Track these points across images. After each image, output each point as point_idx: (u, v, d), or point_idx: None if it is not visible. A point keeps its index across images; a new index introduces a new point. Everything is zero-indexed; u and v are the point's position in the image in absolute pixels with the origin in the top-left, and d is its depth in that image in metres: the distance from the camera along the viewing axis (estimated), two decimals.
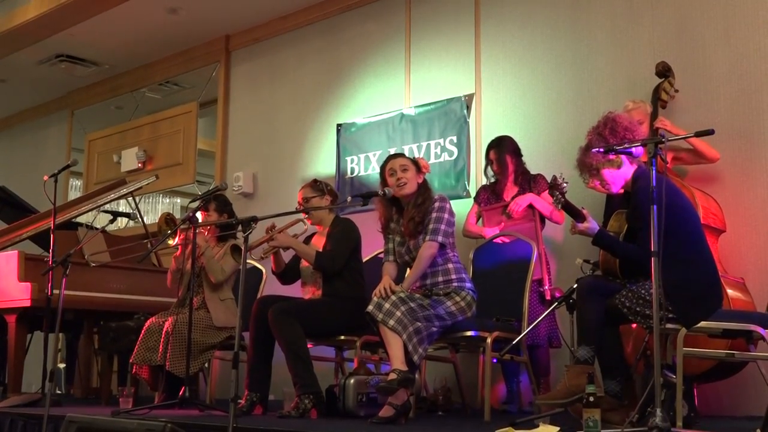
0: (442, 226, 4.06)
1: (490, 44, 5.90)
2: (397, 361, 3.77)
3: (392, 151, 6.10)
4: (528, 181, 4.96)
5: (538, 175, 4.99)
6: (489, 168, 5.05)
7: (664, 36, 5.07)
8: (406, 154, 4.73)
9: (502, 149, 4.99)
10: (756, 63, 4.71)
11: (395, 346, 3.79)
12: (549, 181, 3.67)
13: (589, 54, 5.40)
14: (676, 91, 4.74)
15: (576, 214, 3.74)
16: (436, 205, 4.10)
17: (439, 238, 4.04)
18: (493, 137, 5.70)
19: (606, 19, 5.36)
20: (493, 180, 5.10)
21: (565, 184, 3.66)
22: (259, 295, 5.35)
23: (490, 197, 5.05)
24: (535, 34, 5.69)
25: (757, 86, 4.68)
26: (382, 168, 4.26)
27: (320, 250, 4.62)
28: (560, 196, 3.65)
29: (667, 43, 5.03)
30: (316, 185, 4.84)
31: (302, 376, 4.25)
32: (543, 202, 4.83)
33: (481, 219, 5.07)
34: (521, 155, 5.03)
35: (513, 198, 4.90)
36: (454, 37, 6.09)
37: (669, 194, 3.45)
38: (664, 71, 4.70)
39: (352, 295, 4.55)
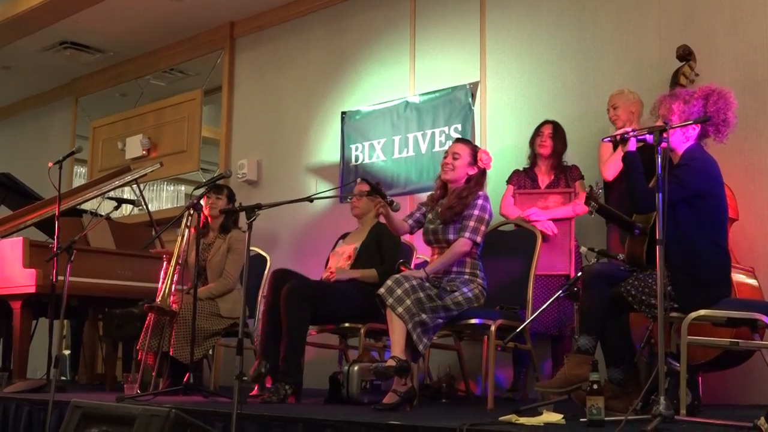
0: (483, 228, 4.11)
1: (496, 32, 5.88)
2: (398, 349, 3.81)
3: (397, 140, 6.11)
4: (564, 171, 4.95)
5: (573, 165, 4.98)
6: (536, 140, 4.99)
7: (671, 24, 5.05)
8: (471, 142, 4.71)
9: (559, 131, 4.98)
10: (763, 52, 4.68)
11: (398, 333, 3.82)
12: (586, 193, 3.75)
13: (594, 42, 5.38)
14: (697, 75, 4.69)
15: (611, 215, 3.82)
16: (479, 203, 4.13)
17: (478, 239, 4.09)
18: (498, 126, 5.73)
19: (612, 7, 5.34)
20: (528, 164, 5.08)
21: (600, 192, 3.73)
22: (263, 283, 5.38)
23: (523, 180, 5.03)
24: (540, 22, 5.66)
25: (764, 75, 4.66)
26: None
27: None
28: (595, 204, 3.69)
29: (673, 31, 5.01)
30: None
31: (290, 363, 4.30)
32: (564, 209, 4.81)
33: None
34: (565, 149, 5.02)
35: (547, 186, 4.92)
36: (459, 24, 6.07)
37: (716, 182, 3.49)
38: (684, 55, 4.67)
39: (370, 284, 4.57)
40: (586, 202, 3.74)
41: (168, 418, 2.84)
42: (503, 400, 4.56)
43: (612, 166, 4.66)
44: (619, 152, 4.59)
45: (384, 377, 3.84)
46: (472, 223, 4.09)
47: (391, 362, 3.77)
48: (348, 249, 4.79)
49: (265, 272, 5.49)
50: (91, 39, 8.02)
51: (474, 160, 4.23)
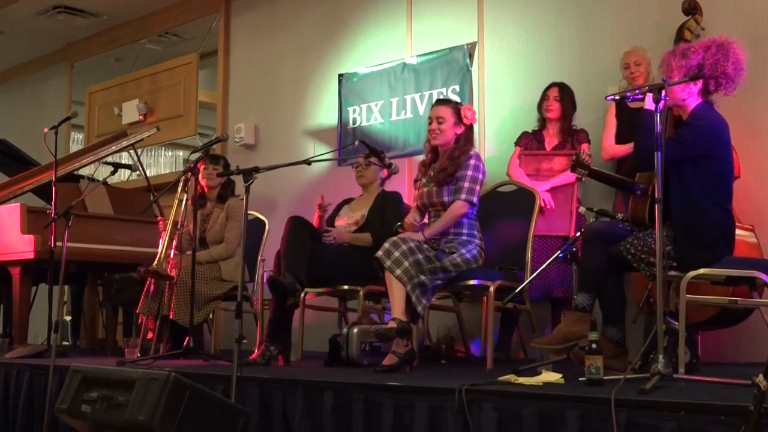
0: (477, 187, 4.10)
1: None
2: (398, 310, 3.81)
3: (394, 102, 6.06)
4: (571, 134, 4.91)
5: (582, 129, 4.93)
6: (543, 104, 4.95)
7: None
8: (451, 100, 4.66)
9: (566, 92, 4.93)
10: (765, 8, 4.63)
11: (398, 295, 3.82)
12: (572, 160, 3.71)
13: (593, 1, 5.32)
14: (703, 29, 4.63)
15: (605, 178, 3.85)
16: (472, 162, 4.11)
17: (474, 199, 4.08)
18: (496, 86, 5.68)
19: None
20: (536, 127, 5.04)
21: (588, 159, 3.69)
22: (262, 247, 5.39)
23: (531, 142, 5.00)
24: None
25: (763, 32, 4.61)
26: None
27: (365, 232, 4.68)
28: (583, 171, 3.65)
29: None
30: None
31: (275, 325, 4.36)
32: (565, 175, 4.76)
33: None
34: (575, 110, 4.97)
35: (553, 148, 4.89)
36: None
37: (721, 143, 3.45)
38: (690, 9, 4.60)
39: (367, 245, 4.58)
40: (573, 170, 3.71)
41: (167, 381, 2.83)
42: (501, 361, 4.57)
43: (611, 152, 4.70)
44: (618, 147, 4.63)
45: (386, 339, 3.85)
46: (466, 184, 4.07)
47: (392, 324, 3.78)
48: (356, 215, 4.79)
49: (264, 236, 5.49)
50: (84, 3, 7.93)
51: (459, 118, 4.19)
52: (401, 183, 5.57)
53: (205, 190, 5.24)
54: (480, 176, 4.12)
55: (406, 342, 3.83)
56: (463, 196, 4.06)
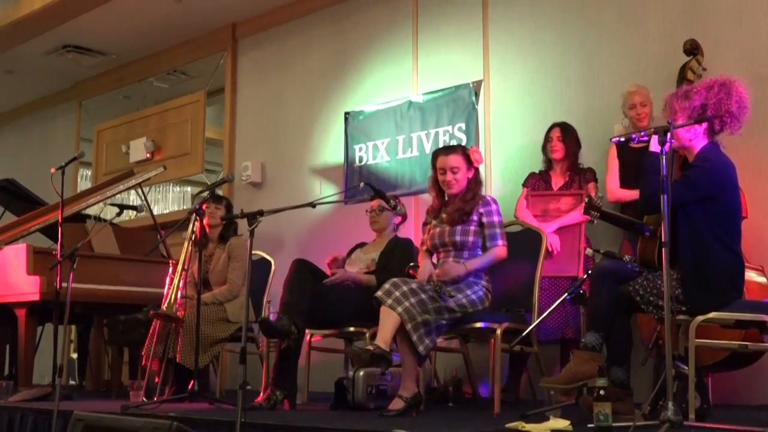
0: (502, 230, 4.16)
1: (498, 29, 5.83)
2: (381, 340, 3.76)
3: (400, 140, 6.06)
4: (578, 173, 4.89)
5: (589, 168, 4.92)
6: (547, 146, 4.95)
7: (675, 17, 4.99)
8: (457, 146, 4.54)
9: (568, 132, 4.92)
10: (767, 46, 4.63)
11: (388, 328, 3.78)
12: (584, 203, 3.71)
13: (598, 37, 5.33)
14: (704, 69, 4.62)
15: (616, 220, 3.86)
16: (495, 208, 4.15)
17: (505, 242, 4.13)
18: (502, 124, 5.68)
19: (615, 1, 5.28)
20: (543, 168, 5.04)
21: (600, 202, 3.72)
22: (268, 287, 5.35)
23: (538, 182, 4.99)
24: (543, 19, 5.61)
25: None
26: (433, 157, 4.27)
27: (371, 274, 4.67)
28: (596, 213, 3.65)
29: (677, 25, 4.95)
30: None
31: (282, 369, 4.32)
32: (572, 215, 4.76)
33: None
34: (580, 148, 4.96)
35: (560, 188, 4.88)
36: (461, 22, 6.01)
37: (728, 185, 3.43)
38: (692, 49, 4.61)
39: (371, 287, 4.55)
40: (586, 212, 3.69)
41: (170, 431, 2.81)
42: (510, 403, 4.52)
43: (617, 196, 4.70)
44: (624, 192, 4.62)
45: (358, 359, 3.80)
46: (499, 230, 4.12)
47: (370, 347, 3.74)
48: (366, 258, 4.78)
49: (270, 276, 5.45)
50: (93, 42, 8.00)
51: (470, 162, 4.20)
52: (408, 221, 5.54)
53: (206, 230, 5.22)
54: (501, 219, 4.18)
55: (384, 367, 3.80)
56: (500, 242, 4.10)
